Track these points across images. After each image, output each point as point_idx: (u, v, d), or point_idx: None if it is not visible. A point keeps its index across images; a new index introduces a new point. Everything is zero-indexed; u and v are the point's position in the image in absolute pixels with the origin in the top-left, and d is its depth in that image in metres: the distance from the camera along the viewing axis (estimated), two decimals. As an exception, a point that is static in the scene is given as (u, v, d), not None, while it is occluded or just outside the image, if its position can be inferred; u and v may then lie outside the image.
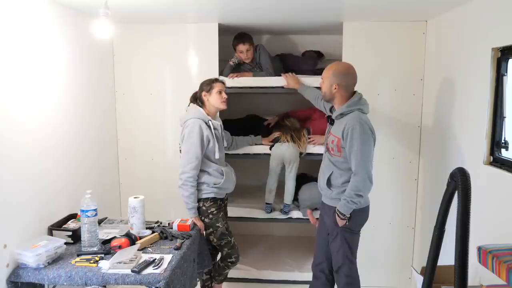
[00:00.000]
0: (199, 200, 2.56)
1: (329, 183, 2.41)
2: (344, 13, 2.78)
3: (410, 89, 3.02)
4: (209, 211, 2.58)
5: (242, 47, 3.16)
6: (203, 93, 2.59)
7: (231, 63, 3.23)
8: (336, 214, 2.34)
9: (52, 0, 2.34)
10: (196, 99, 2.65)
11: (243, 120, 3.51)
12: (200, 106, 2.60)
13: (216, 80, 2.65)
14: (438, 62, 2.79)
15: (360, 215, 2.39)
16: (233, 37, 3.21)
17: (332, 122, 2.43)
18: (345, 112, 2.31)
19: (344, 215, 2.30)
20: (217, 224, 2.60)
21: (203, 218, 2.59)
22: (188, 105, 2.66)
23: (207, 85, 2.60)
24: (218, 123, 2.62)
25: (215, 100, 2.59)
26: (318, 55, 3.53)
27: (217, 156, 2.55)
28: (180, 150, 2.58)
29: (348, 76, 2.33)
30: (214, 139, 2.54)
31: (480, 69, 2.13)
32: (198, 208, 2.57)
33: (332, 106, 2.46)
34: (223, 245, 2.66)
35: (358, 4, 2.48)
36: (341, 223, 2.34)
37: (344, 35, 3.01)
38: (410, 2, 2.42)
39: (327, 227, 2.49)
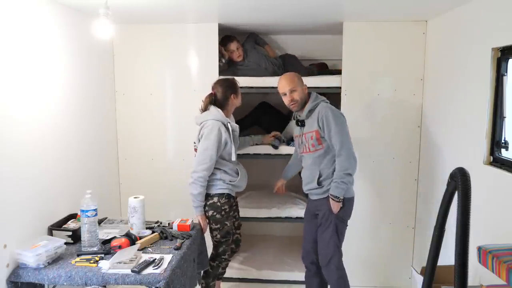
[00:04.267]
0: (214, 196, 2.59)
1: (320, 184, 2.50)
2: (344, 13, 2.78)
3: (410, 89, 3.02)
4: (223, 208, 2.60)
5: (233, 46, 3.23)
6: (232, 95, 2.62)
7: (220, 63, 3.21)
8: (331, 199, 2.42)
9: (52, 0, 2.34)
10: (213, 101, 2.62)
11: (255, 111, 3.53)
12: (219, 107, 2.60)
13: (235, 79, 2.70)
14: (438, 62, 2.79)
15: (349, 204, 2.51)
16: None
17: (302, 123, 2.54)
18: (313, 107, 2.48)
19: (338, 197, 2.40)
20: (226, 222, 2.63)
21: (215, 213, 2.59)
22: (206, 108, 2.61)
23: (234, 87, 2.65)
24: (236, 125, 2.65)
25: (239, 101, 2.69)
26: (321, 67, 3.54)
27: (233, 158, 2.58)
28: (195, 149, 2.59)
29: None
30: (231, 142, 2.55)
31: (480, 69, 2.13)
32: (213, 203, 2.58)
33: (294, 114, 2.62)
34: (223, 242, 2.68)
35: (358, 4, 2.48)
36: (337, 206, 2.42)
37: (344, 35, 3.01)
38: (410, 2, 2.42)
39: (320, 218, 2.54)
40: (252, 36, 3.47)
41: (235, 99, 2.65)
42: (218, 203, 2.59)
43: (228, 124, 2.55)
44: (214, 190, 2.59)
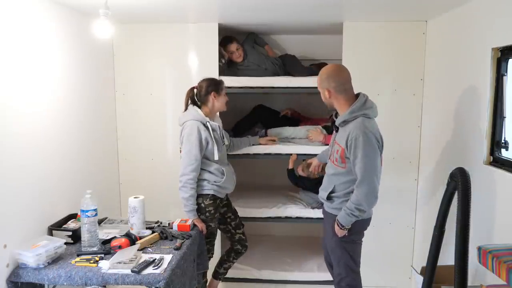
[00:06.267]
0: (199, 196, 2.56)
1: (330, 198, 2.28)
2: (344, 13, 2.78)
3: (410, 89, 3.02)
4: (207, 210, 2.58)
5: (232, 47, 3.23)
6: (213, 93, 2.57)
7: (220, 64, 3.21)
8: (336, 223, 2.21)
9: (52, 0, 2.34)
10: (192, 96, 2.62)
11: (253, 112, 3.53)
12: (199, 106, 2.59)
13: (222, 81, 2.65)
14: (438, 62, 2.79)
15: (361, 225, 2.25)
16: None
17: (337, 129, 2.27)
18: (349, 119, 2.12)
19: (344, 226, 2.17)
20: (210, 223, 2.62)
21: (199, 213, 2.58)
22: (186, 106, 2.61)
23: (216, 86, 2.59)
24: (216, 124, 2.61)
25: (221, 103, 2.62)
26: (321, 67, 3.53)
27: (215, 157, 2.55)
28: (180, 151, 2.58)
29: (332, 76, 2.16)
30: (213, 141, 2.53)
31: (480, 69, 2.13)
32: (197, 205, 2.56)
33: (336, 112, 2.28)
34: (206, 242, 2.66)
35: (358, 4, 2.48)
36: (340, 233, 2.20)
37: (344, 35, 3.01)
38: (410, 2, 2.42)
39: (326, 232, 2.38)
40: (251, 36, 3.47)
41: (215, 98, 2.58)
42: (202, 204, 2.57)
43: (208, 123, 2.53)
44: (199, 191, 2.56)
